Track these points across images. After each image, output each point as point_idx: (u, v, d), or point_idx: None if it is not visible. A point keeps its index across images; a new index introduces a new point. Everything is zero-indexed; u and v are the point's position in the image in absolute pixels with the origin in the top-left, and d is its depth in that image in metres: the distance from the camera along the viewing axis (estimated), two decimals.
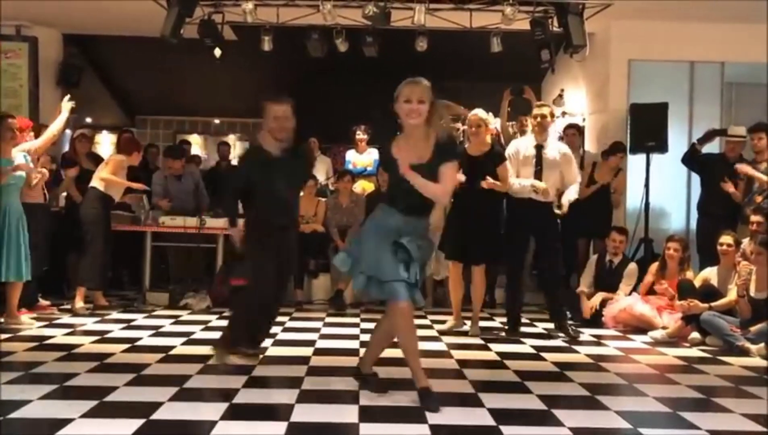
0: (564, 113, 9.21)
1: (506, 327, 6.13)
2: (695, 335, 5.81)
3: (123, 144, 7.37)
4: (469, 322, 6.14)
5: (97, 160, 7.82)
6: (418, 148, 3.71)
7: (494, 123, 6.61)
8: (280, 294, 4.89)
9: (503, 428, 3.35)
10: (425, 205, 3.80)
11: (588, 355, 5.27)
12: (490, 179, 5.77)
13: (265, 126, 4.66)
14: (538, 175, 5.88)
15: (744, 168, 6.74)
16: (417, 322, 6.59)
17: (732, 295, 5.82)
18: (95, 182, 6.92)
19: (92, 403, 3.59)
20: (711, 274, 6.19)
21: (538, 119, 5.98)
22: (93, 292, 6.84)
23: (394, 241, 3.69)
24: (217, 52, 8.14)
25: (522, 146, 6.04)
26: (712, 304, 5.81)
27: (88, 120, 13.01)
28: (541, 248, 6.28)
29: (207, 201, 8.01)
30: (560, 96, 9.45)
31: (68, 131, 11.42)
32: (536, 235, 6.17)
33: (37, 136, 6.46)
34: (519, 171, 5.94)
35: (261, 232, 4.57)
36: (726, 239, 6.10)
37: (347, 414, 3.54)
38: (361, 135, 8.74)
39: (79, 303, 6.63)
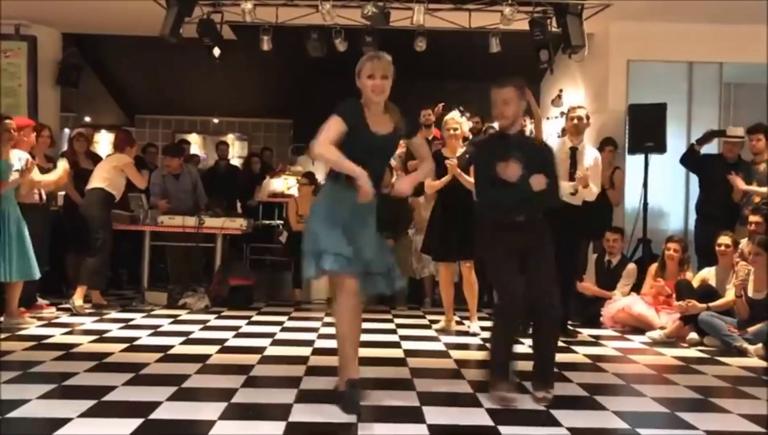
0: (562, 113, 9.21)
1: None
2: (693, 336, 5.82)
3: (117, 141, 7.38)
4: (466, 321, 6.15)
5: (96, 159, 7.81)
6: (380, 121, 3.66)
7: (467, 126, 6.80)
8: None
9: (501, 428, 3.36)
10: (381, 175, 3.75)
11: (586, 355, 5.28)
12: (454, 164, 5.88)
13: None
14: (572, 178, 5.74)
15: (739, 183, 6.70)
16: (415, 321, 6.65)
17: (730, 295, 5.83)
18: (100, 183, 6.91)
19: (90, 403, 3.59)
20: (709, 274, 6.20)
21: (575, 121, 5.91)
22: (91, 291, 6.85)
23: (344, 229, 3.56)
24: (216, 51, 8.14)
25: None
26: (710, 304, 5.82)
27: (87, 119, 13.03)
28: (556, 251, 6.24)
29: (205, 200, 8.01)
30: (559, 96, 9.46)
31: (66, 130, 11.48)
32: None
33: (37, 136, 6.46)
34: None
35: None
36: (724, 240, 6.11)
37: (345, 414, 3.54)
38: None
39: (78, 301, 6.64)
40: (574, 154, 5.83)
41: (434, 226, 6.11)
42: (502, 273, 3.88)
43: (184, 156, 8.45)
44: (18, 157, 5.91)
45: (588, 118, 6.07)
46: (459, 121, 6.19)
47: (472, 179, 5.97)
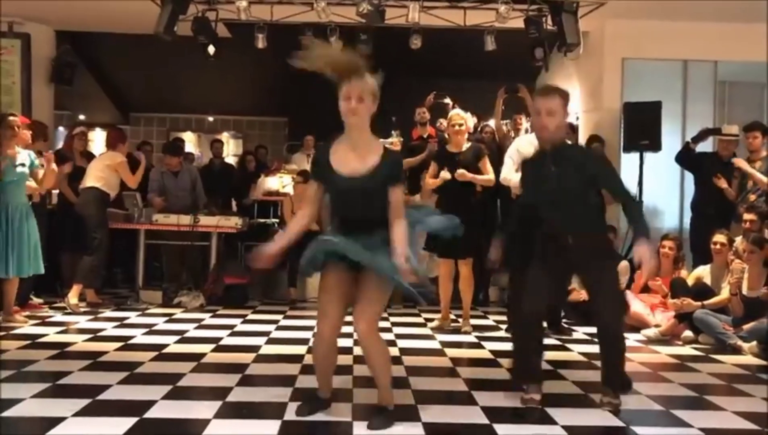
0: None
1: (507, 326, 6.14)
2: (688, 333, 5.83)
3: (109, 138, 7.36)
4: (461, 319, 6.15)
5: (90, 158, 7.78)
6: (360, 155, 3.28)
7: (472, 122, 6.76)
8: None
9: (496, 426, 3.36)
10: (372, 220, 3.29)
11: (581, 353, 5.28)
12: (466, 172, 5.86)
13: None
14: None
15: (740, 162, 6.75)
16: (410, 320, 6.65)
17: (725, 293, 5.84)
18: (94, 182, 6.88)
19: (85, 402, 3.58)
20: (704, 272, 6.21)
21: None
22: (86, 290, 6.83)
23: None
24: (211, 49, 8.12)
25: (522, 145, 6.06)
26: (705, 302, 5.83)
27: (82, 117, 12.98)
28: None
29: (204, 199, 7.97)
30: None
31: (61, 128, 11.44)
32: None
33: (34, 134, 6.44)
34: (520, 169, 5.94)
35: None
36: (719, 238, 6.12)
37: (341, 412, 3.54)
38: None
39: (73, 299, 6.62)
40: None
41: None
42: (533, 280, 3.73)
43: (183, 155, 8.40)
44: (28, 154, 5.92)
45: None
46: (464, 117, 6.17)
47: (486, 176, 6.00)
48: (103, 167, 6.96)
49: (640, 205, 3.85)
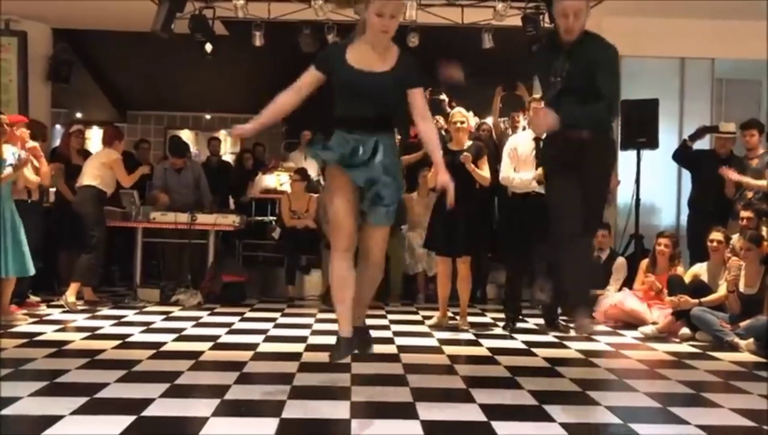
0: None
1: (504, 323, 6.16)
2: (685, 331, 5.84)
3: (105, 136, 7.35)
4: (459, 317, 6.16)
5: (87, 156, 7.78)
6: (379, 58, 3.36)
7: (473, 121, 6.76)
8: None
9: (494, 424, 3.36)
10: (379, 121, 3.37)
11: (579, 351, 5.29)
12: (469, 156, 5.89)
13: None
14: (538, 167, 5.87)
15: (732, 174, 6.70)
16: (409, 317, 6.65)
17: (722, 290, 5.85)
18: (91, 180, 6.88)
19: (83, 400, 3.58)
20: (701, 269, 6.22)
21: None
22: (84, 288, 6.83)
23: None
24: (208, 47, 8.11)
25: (520, 142, 6.07)
26: (702, 299, 5.84)
27: (79, 115, 12.97)
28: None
29: (209, 197, 7.93)
30: None
31: (58, 126, 11.42)
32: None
33: (31, 133, 6.43)
34: (519, 167, 5.96)
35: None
36: (716, 236, 6.12)
37: (339, 410, 3.54)
38: None
39: (71, 297, 6.62)
40: (538, 144, 5.91)
41: (436, 221, 6.11)
42: (563, 196, 3.78)
43: (187, 154, 8.33)
44: (12, 153, 5.89)
45: None
46: (465, 115, 6.19)
47: (483, 173, 6.01)
48: (99, 165, 6.95)
49: (609, 108, 3.90)
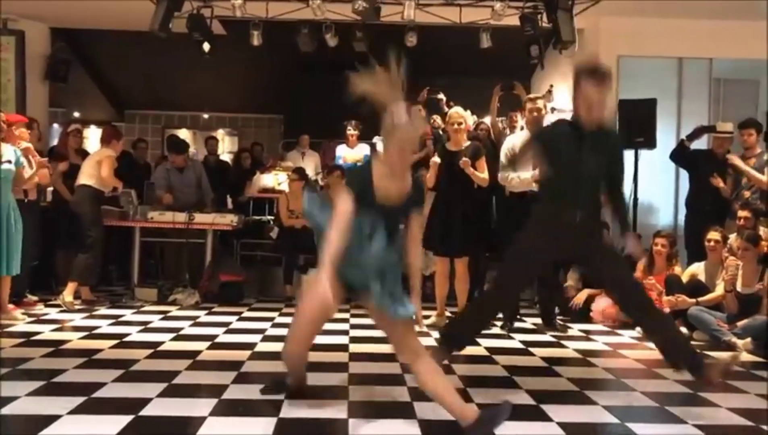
0: (553, 109, 9.22)
1: (501, 323, 6.16)
2: (682, 330, 5.84)
3: (104, 134, 7.33)
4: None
5: (85, 156, 7.77)
6: (397, 184, 3.35)
7: (472, 121, 6.75)
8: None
9: None
10: (390, 241, 3.37)
11: (576, 350, 5.30)
12: (468, 161, 5.89)
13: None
14: (535, 167, 5.90)
15: (735, 160, 6.75)
16: None
17: (719, 290, 5.86)
18: (88, 180, 6.87)
19: (80, 400, 3.58)
20: (698, 269, 6.22)
21: (534, 113, 6.01)
22: (81, 287, 6.82)
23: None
24: (206, 46, 8.10)
25: (518, 143, 6.08)
26: (700, 299, 5.85)
27: (76, 114, 12.96)
28: None
29: (211, 195, 7.93)
30: (549, 92, 9.47)
31: (55, 125, 11.42)
32: None
33: (30, 131, 6.43)
34: (517, 167, 5.97)
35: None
36: (713, 235, 6.13)
37: (337, 409, 3.54)
38: (351, 130, 8.73)
39: (69, 297, 6.62)
40: None
41: (434, 221, 6.11)
42: (520, 267, 3.76)
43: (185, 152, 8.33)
44: (12, 150, 5.90)
45: (545, 107, 6.24)
46: (463, 115, 6.21)
47: (482, 175, 6.02)
48: (95, 164, 6.95)
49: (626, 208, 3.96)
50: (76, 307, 6.60)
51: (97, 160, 6.97)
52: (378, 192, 3.31)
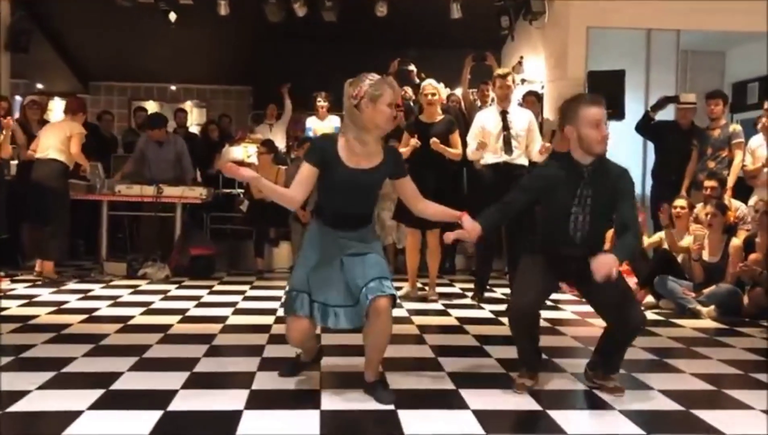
0: (523, 80, 9.25)
1: (472, 294, 6.22)
2: (649, 299, 5.96)
3: (70, 105, 7.15)
4: (428, 287, 6.20)
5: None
6: (367, 153, 3.29)
7: (445, 93, 6.75)
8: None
9: (463, 392, 3.41)
10: (363, 216, 3.38)
11: (545, 319, 5.35)
12: (438, 142, 5.92)
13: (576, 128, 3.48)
14: (507, 139, 5.94)
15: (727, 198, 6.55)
16: None
17: (685, 243, 5.97)
18: (58, 154, 6.70)
19: (49, 375, 3.54)
20: (660, 237, 6.32)
21: (502, 90, 6.04)
22: (44, 263, 6.71)
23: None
24: (172, 16, 7.96)
25: (487, 118, 6.09)
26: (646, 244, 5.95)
27: (39, 86, 12.65)
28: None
29: (191, 174, 7.81)
30: (519, 63, 9.48)
31: (18, 97, 11.14)
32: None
33: None
34: (487, 143, 5.98)
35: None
36: (680, 202, 6.24)
37: (309, 380, 3.56)
38: (321, 102, 8.67)
39: (49, 271, 6.63)
40: (504, 117, 5.95)
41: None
42: (529, 277, 3.48)
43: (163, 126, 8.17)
44: None
45: (514, 81, 6.29)
46: (436, 87, 6.23)
47: (455, 150, 6.03)
48: (65, 139, 6.74)
49: (636, 241, 3.61)
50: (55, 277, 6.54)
51: (67, 136, 6.76)
52: (344, 154, 3.27)
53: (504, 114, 6.02)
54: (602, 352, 3.57)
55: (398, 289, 6.35)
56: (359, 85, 3.23)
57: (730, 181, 6.64)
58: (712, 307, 5.55)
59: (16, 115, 8.84)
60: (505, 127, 5.97)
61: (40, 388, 3.35)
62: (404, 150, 6.01)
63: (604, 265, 3.14)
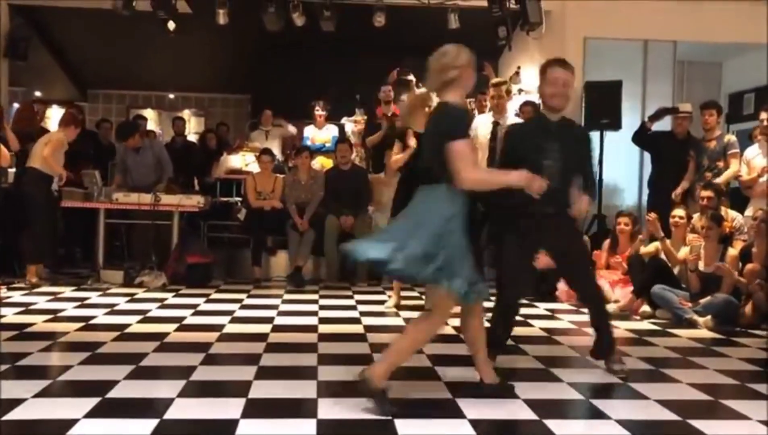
0: (520, 90, 9.28)
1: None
2: (646, 308, 5.96)
3: (65, 116, 7.26)
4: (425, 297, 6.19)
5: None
6: None
7: (435, 102, 6.79)
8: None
9: (459, 401, 3.41)
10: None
11: (542, 329, 5.37)
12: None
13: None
14: (494, 152, 5.98)
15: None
16: (375, 297, 6.68)
17: (681, 254, 5.96)
18: (35, 163, 6.85)
19: (45, 383, 3.54)
20: (655, 247, 6.33)
21: (496, 100, 6.11)
22: (29, 267, 6.79)
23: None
24: (171, 25, 7.98)
25: (480, 124, 6.13)
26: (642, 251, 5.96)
27: (38, 93, 12.66)
28: None
29: (170, 174, 7.82)
30: (517, 73, 9.51)
31: (15, 105, 11.15)
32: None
33: None
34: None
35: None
36: (678, 212, 6.26)
37: (306, 390, 3.55)
38: (319, 111, 8.69)
39: (34, 278, 6.65)
40: (495, 128, 6.00)
41: (401, 200, 6.13)
42: (513, 264, 3.89)
43: (140, 131, 8.22)
44: None
45: (509, 93, 6.35)
46: (429, 96, 6.22)
47: None
48: (42, 146, 6.92)
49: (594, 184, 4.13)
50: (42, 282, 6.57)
51: (44, 142, 6.91)
52: None
53: (496, 124, 6.08)
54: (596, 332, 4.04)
55: (385, 301, 6.39)
56: (460, 54, 3.52)
57: (722, 180, 6.69)
58: (709, 317, 5.55)
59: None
60: (494, 138, 6.03)
61: (36, 396, 3.34)
62: (399, 157, 6.02)
63: (584, 201, 3.71)
